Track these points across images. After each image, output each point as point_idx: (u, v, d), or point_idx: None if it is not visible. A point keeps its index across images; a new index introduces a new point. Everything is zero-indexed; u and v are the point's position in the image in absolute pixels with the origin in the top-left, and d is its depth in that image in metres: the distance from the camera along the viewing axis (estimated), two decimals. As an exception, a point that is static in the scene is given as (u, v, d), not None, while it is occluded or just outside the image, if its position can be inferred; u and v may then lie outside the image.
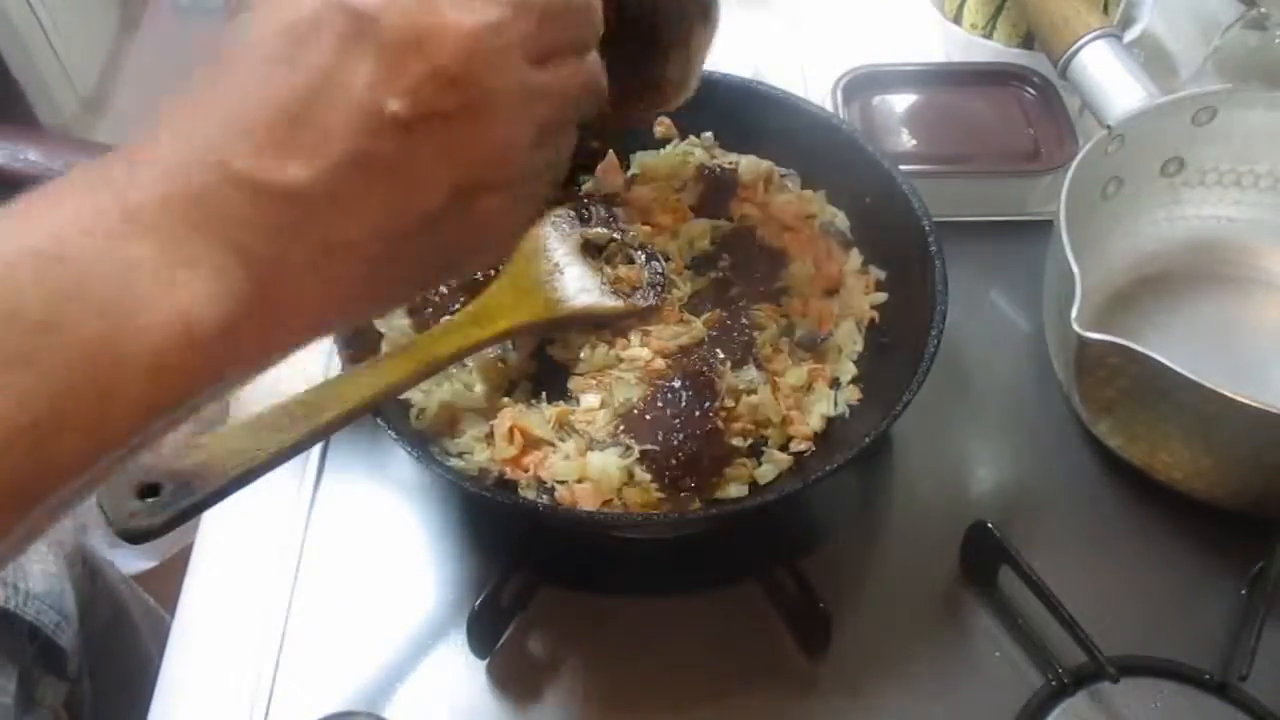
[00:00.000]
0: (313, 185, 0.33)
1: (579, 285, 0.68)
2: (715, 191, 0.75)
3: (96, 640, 0.79)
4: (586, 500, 0.61)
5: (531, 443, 0.63)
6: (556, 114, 0.38)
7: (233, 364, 0.34)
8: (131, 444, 0.32)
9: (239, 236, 0.32)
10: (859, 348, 0.69)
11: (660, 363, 0.66)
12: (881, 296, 0.71)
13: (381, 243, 0.35)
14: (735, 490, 0.62)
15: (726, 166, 0.75)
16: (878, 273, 0.72)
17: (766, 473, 0.63)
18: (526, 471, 0.63)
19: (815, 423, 0.65)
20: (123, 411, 0.31)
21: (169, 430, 0.34)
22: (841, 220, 0.74)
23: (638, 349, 0.66)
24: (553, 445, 0.63)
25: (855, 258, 0.73)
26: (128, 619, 0.87)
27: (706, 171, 0.75)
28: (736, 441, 0.63)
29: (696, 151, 0.77)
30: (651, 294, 0.69)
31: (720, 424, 0.63)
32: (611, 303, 0.68)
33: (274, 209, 0.33)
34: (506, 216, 0.38)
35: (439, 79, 0.33)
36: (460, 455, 0.63)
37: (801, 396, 0.66)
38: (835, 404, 0.66)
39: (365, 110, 0.33)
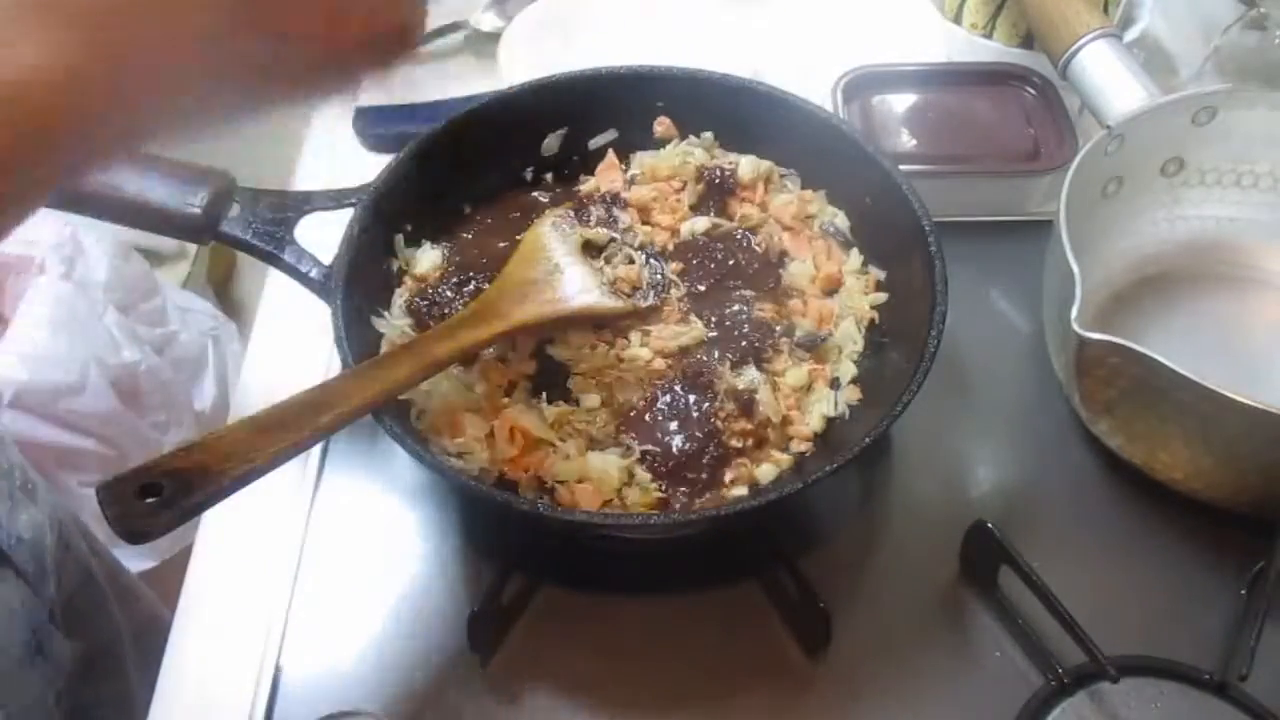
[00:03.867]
0: None
1: (579, 285, 0.68)
2: (715, 192, 0.75)
3: (67, 604, 0.79)
4: (586, 500, 0.61)
5: (531, 443, 0.63)
6: None
7: (87, 106, 0.36)
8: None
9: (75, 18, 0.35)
10: (859, 348, 0.69)
11: (660, 363, 0.66)
12: (881, 296, 0.71)
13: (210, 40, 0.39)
14: (735, 490, 0.62)
15: (726, 167, 0.75)
16: (878, 273, 0.72)
17: (766, 473, 0.63)
18: (526, 472, 0.63)
19: (815, 423, 0.65)
20: None
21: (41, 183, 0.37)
22: (841, 220, 0.74)
23: (638, 349, 0.67)
24: (553, 445, 0.64)
25: (855, 258, 0.73)
26: (95, 586, 0.87)
27: (706, 172, 0.75)
28: (736, 442, 0.63)
29: (696, 152, 0.76)
30: (651, 294, 0.69)
31: (720, 424, 0.63)
32: (612, 303, 0.68)
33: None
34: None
35: None
36: (460, 455, 0.63)
37: (801, 396, 0.66)
38: (835, 404, 0.66)
39: None
